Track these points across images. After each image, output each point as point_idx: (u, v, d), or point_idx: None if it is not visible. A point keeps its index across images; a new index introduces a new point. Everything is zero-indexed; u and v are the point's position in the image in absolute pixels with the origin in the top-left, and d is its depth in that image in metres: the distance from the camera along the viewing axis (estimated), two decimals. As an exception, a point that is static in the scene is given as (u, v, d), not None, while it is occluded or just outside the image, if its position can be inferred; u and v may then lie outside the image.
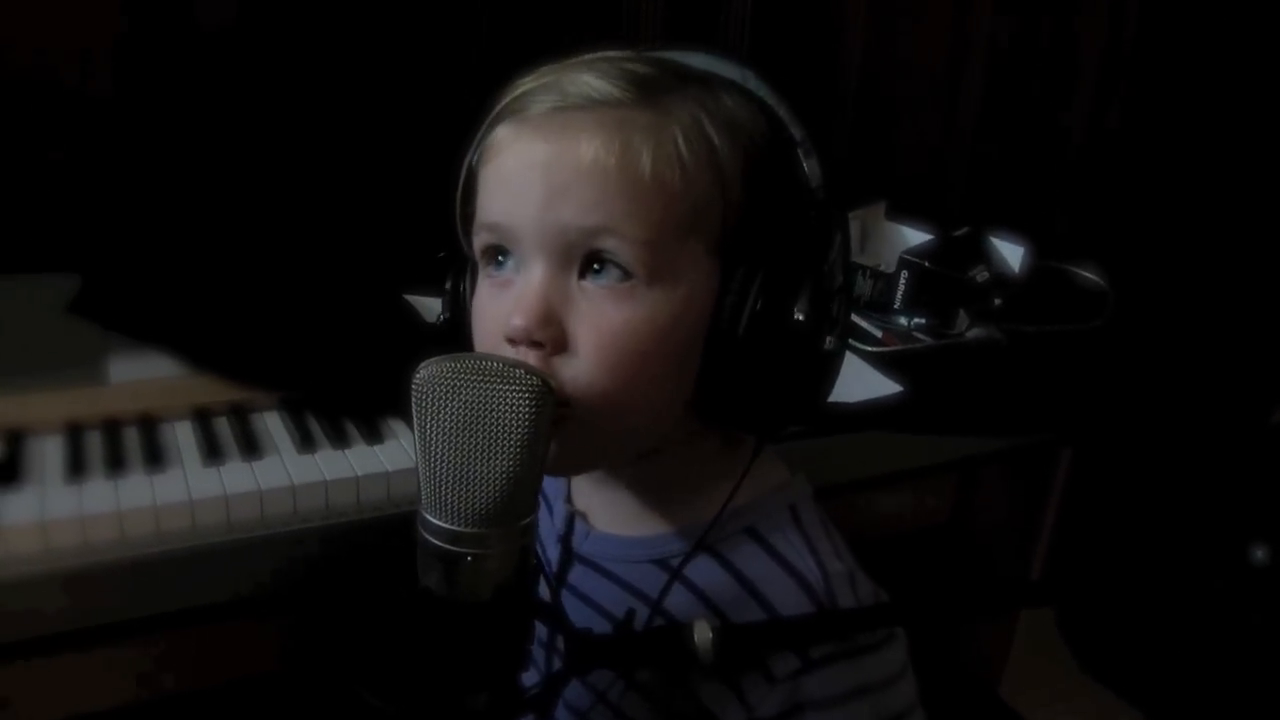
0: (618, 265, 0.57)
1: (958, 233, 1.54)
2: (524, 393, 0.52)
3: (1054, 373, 1.45)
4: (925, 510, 1.57)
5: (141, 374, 1.11)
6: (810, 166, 0.61)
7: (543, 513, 0.77)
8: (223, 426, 1.07)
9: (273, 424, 1.09)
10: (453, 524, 0.53)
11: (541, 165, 0.58)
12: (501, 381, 0.52)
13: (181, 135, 1.32)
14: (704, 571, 0.65)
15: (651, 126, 0.57)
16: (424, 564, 0.55)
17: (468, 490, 0.52)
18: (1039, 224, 1.63)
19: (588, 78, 0.58)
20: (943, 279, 1.42)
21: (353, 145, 1.40)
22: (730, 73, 0.63)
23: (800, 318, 0.58)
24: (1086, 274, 1.64)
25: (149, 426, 1.06)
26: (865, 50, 1.76)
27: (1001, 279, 1.48)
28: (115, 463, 0.98)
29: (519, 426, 0.52)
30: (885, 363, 1.33)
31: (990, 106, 1.91)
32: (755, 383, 0.59)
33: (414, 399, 0.52)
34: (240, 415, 1.09)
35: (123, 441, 1.03)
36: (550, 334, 0.58)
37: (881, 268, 1.49)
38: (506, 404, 0.52)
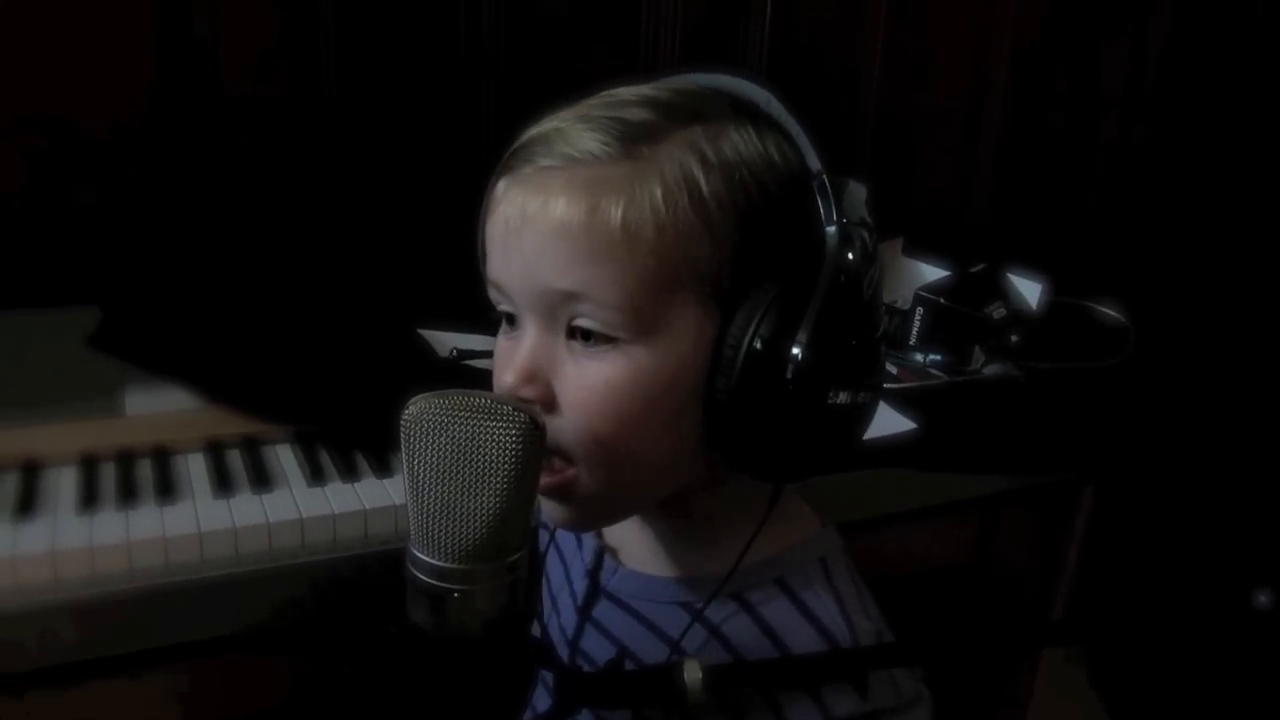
0: (597, 329, 0.57)
1: (975, 269, 1.53)
2: (512, 429, 0.52)
3: (1073, 411, 1.44)
4: (946, 549, 1.55)
5: (157, 406, 1.13)
6: (833, 200, 0.57)
7: (573, 545, 0.77)
8: (235, 459, 1.08)
9: (284, 456, 1.10)
10: (440, 559, 0.53)
11: (519, 228, 0.58)
12: (489, 418, 0.52)
13: (200, 175, 1.34)
14: (731, 620, 0.64)
15: (626, 182, 0.56)
16: (412, 600, 0.55)
17: (455, 526, 0.52)
18: (1058, 260, 1.62)
19: (576, 131, 0.58)
20: (958, 315, 1.41)
21: (368, 183, 1.42)
22: (755, 97, 0.62)
23: (795, 368, 0.55)
24: (1107, 310, 1.62)
25: (162, 458, 1.07)
26: (884, 81, 1.76)
27: (1019, 315, 1.47)
28: (127, 494, 1.00)
29: (506, 462, 0.52)
30: (900, 399, 1.32)
31: (1010, 141, 1.90)
32: (754, 433, 0.58)
33: (403, 434, 0.53)
34: (252, 448, 1.10)
35: (136, 473, 1.04)
36: (536, 393, 0.58)
37: (898, 304, 1.49)
38: (494, 440, 0.52)
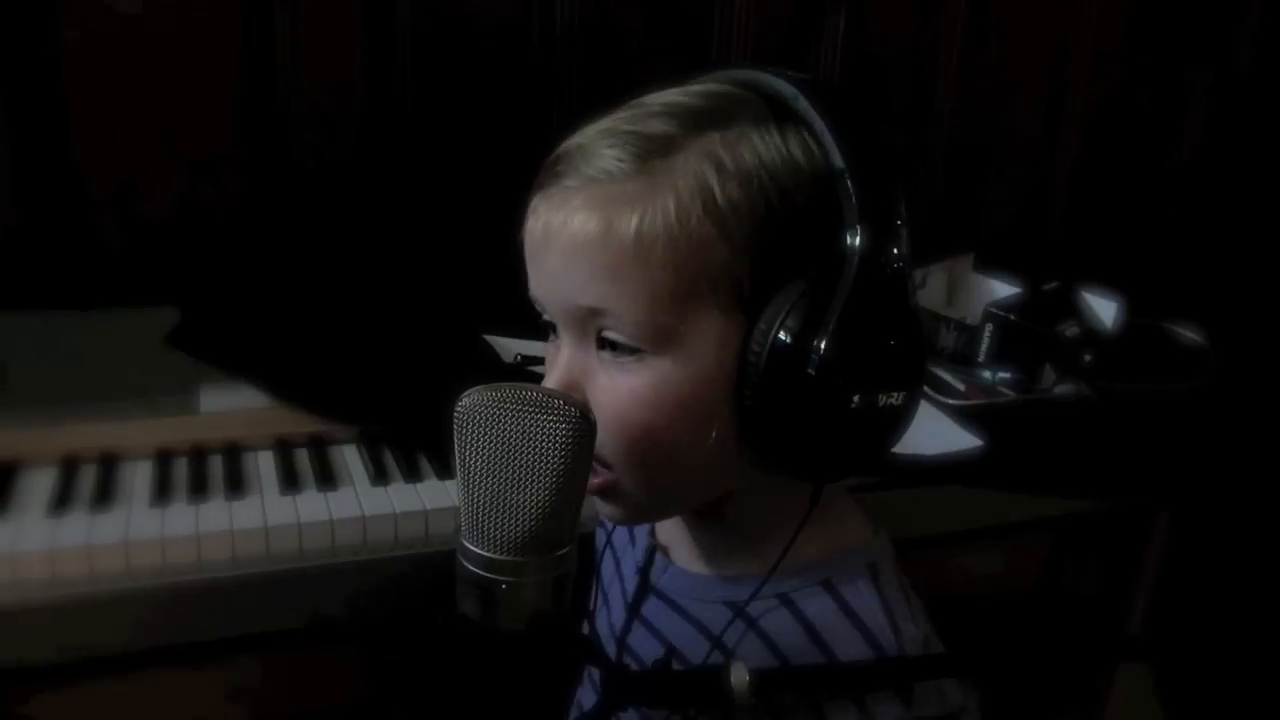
0: (622, 341, 0.59)
1: (1047, 286, 1.50)
2: (563, 423, 0.52)
3: (1147, 434, 1.40)
4: (1012, 572, 1.52)
5: (230, 405, 1.16)
6: (861, 198, 0.56)
7: (626, 541, 0.78)
8: (302, 457, 1.11)
9: (350, 456, 1.12)
10: (489, 551, 0.54)
11: (543, 246, 0.60)
12: (541, 411, 0.53)
13: (277, 186, 1.38)
14: (776, 620, 0.64)
15: (640, 197, 0.57)
16: (462, 591, 0.55)
17: (504, 518, 0.53)
18: (1136, 279, 1.58)
19: (596, 149, 0.59)
20: (1029, 333, 1.39)
21: (438, 192, 1.44)
22: (784, 94, 0.61)
23: (818, 363, 0.55)
24: (1185, 332, 1.58)
25: (233, 455, 1.10)
26: (959, 96, 1.75)
27: (1093, 335, 1.44)
28: (198, 488, 1.03)
29: (556, 456, 0.52)
30: (965, 416, 1.30)
31: (1087, 155, 1.86)
32: (782, 430, 0.58)
33: (455, 427, 0.53)
34: (319, 447, 1.13)
35: (207, 468, 1.07)
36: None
37: (967, 320, 1.47)
38: (545, 433, 0.52)
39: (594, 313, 0.58)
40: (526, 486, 0.53)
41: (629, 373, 0.59)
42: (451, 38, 1.42)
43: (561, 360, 0.61)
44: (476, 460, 0.53)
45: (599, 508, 0.63)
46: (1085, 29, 1.81)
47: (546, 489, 0.53)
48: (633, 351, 0.58)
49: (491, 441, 0.53)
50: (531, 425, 0.52)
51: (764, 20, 1.57)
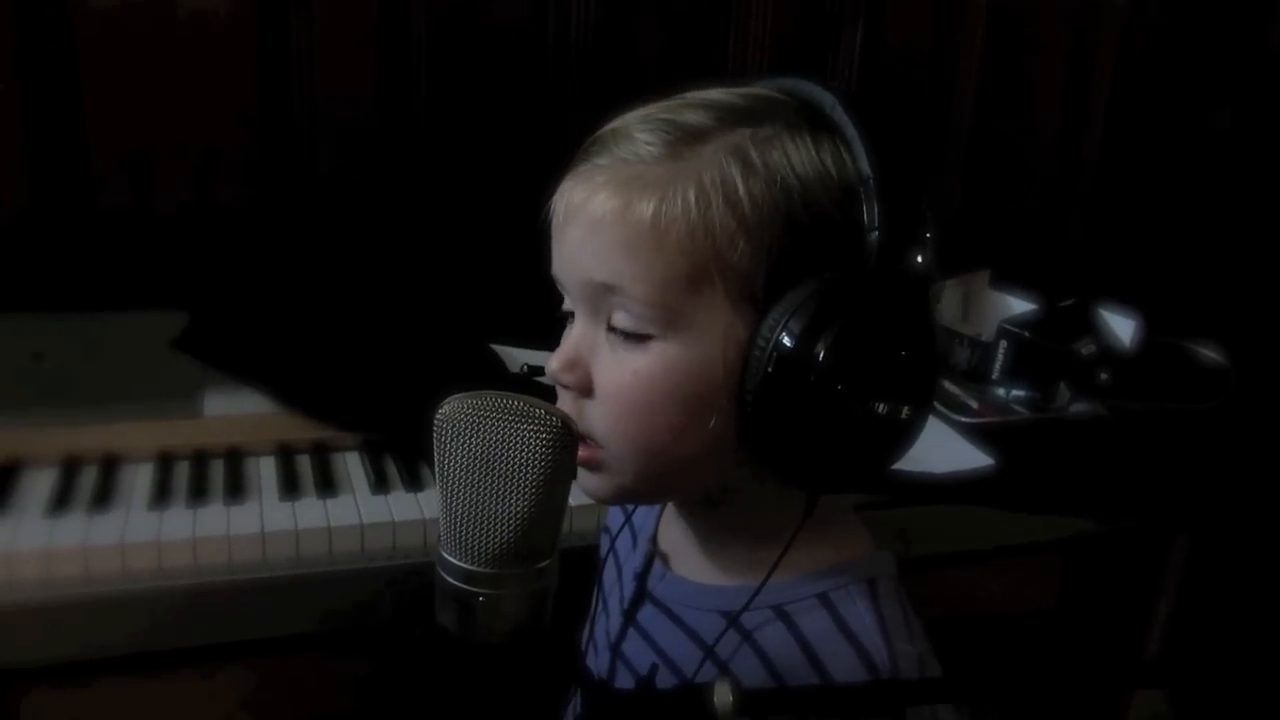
0: (631, 322, 0.58)
1: (1064, 302, 1.48)
2: (543, 432, 0.52)
3: (1166, 454, 1.38)
4: (1026, 593, 1.50)
5: (233, 409, 1.15)
6: (880, 207, 0.56)
7: (628, 547, 0.77)
8: (303, 463, 1.10)
9: (351, 463, 1.11)
10: (468, 563, 0.53)
11: (564, 222, 0.61)
12: (521, 420, 0.52)
13: (288, 193, 1.38)
14: (770, 634, 0.63)
15: (662, 182, 0.57)
16: (441, 603, 0.55)
17: (483, 529, 0.52)
18: (1155, 296, 1.55)
19: (630, 133, 0.59)
20: (1044, 350, 1.37)
21: (447, 202, 1.44)
22: (821, 101, 0.62)
23: (818, 369, 0.54)
24: (1205, 350, 1.55)
25: (235, 460, 1.09)
26: (977, 111, 1.73)
27: (1110, 353, 1.41)
28: (198, 492, 1.02)
29: (536, 466, 0.51)
30: (978, 434, 1.28)
31: (1106, 172, 1.84)
32: (780, 434, 0.57)
33: (435, 434, 0.53)
34: (321, 453, 1.12)
35: (208, 473, 1.07)
36: (576, 379, 0.60)
37: (981, 336, 1.45)
38: (524, 443, 0.51)
39: (607, 289, 0.58)
40: (506, 497, 0.52)
41: (635, 353, 0.59)
42: (466, 45, 1.42)
43: (572, 337, 0.62)
44: (455, 469, 0.52)
45: (581, 481, 0.62)
46: (1105, 44, 1.79)
47: (526, 500, 0.52)
48: (642, 335, 0.58)
49: (470, 450, 0.52)
50: (511, 434, 0.52)
51: (781, 29, 1.56)
